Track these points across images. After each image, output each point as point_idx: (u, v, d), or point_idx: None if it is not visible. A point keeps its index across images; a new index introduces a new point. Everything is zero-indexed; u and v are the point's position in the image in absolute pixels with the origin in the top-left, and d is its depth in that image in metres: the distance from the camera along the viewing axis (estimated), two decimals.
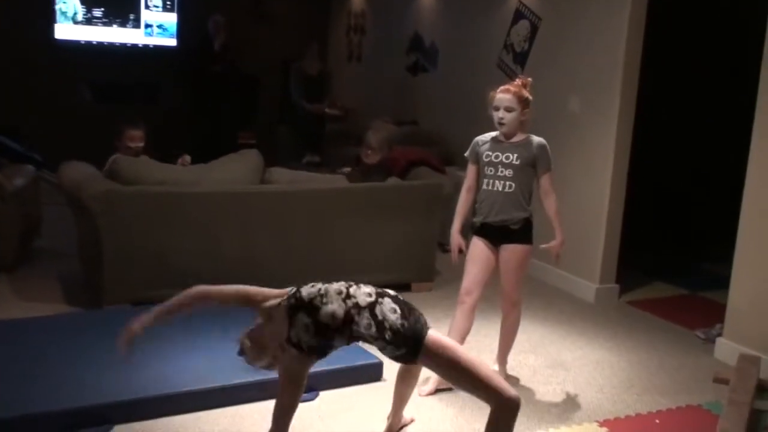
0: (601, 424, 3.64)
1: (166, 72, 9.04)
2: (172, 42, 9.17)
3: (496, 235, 3.83)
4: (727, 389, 3.77)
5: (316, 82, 8.16)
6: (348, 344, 2.83)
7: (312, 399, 3.58)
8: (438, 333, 2.89)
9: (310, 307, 2.76)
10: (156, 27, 9.11)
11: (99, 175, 4.89)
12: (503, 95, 3.78)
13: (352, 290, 2.83)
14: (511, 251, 3.82)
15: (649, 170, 6.49)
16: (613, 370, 4.30)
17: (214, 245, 4.80)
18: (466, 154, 3.97)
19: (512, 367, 4.21)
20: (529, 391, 3.95)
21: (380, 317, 2.76)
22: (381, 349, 2.83)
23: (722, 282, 4.73)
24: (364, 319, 2.75)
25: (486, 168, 3.82)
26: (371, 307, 2.78)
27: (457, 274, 5.90)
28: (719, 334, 4.63)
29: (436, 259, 5.62)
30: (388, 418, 3.38)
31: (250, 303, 2.88)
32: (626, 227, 5.51)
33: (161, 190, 4.71)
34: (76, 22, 8.69)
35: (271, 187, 5.04)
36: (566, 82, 5.70)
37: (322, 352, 2.77)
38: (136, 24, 8.98)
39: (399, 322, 2.77)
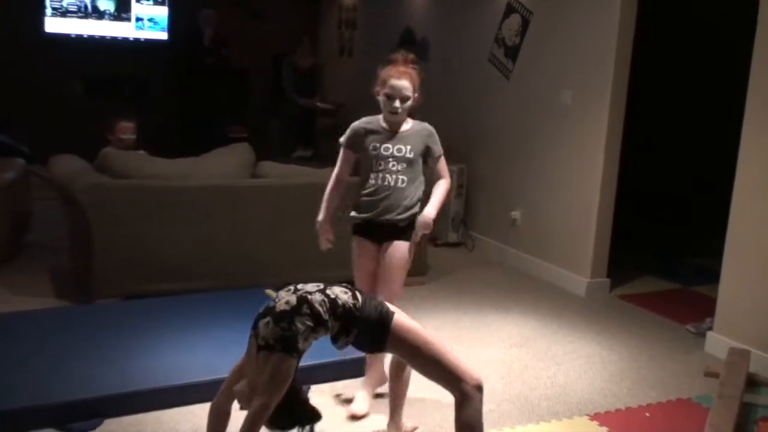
0: (592, 418, 3.65)
1: (157, 66, 9.01)
2: (163, 36, 9.13)
3: (382, 233, 3.51)
4: (718, 383, 3.79)
5: (307, 76, 8.14)
6: (314, 332, 2.73)
7: None
8: (404, 316, 2.86)
9: (265, 311, 2.78)
10: (147, 20, 9.07)
11: (89, 168, 4.87)
12: (400, 82, 3.40)
13: (299, 286, 2.85)
14: (395, 248, 3.49)
15: (640, 164, 6.50)
16: (604, 364, 4.31)
17: (205, 239, 4.79)
18: (341, 140, 3.58)
19: (503, 361, 4.22)
20: (520, 385, 3.95)
21: (332, 295, 2.79)
22: (340, 335, 2.80)
23: (713, 276, 4.74)
24: (317, 296, 2.77)
25: (375, 161, 3.47)
26: (322, 289, 2.82)
27: (450, 268, 5.94)
28: (710, 328, 4.64)
29: (428, 253, 5.62)
30: (389, 426, 3.28)
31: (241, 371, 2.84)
32: (617, 221, 5.53)
33: (152, 183, 4.70)
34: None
35: (262, 181, 5.03)
36: (557, 76, 5.70)
37: (291, 342, 2.68)
38: (114, 17, 8.92)
39: (351, 301, 2.80)
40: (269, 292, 4.71)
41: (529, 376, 4.08)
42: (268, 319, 2.72)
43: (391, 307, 2.87)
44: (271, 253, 4.97)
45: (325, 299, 2.77)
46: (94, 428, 3.25)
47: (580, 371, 4.19)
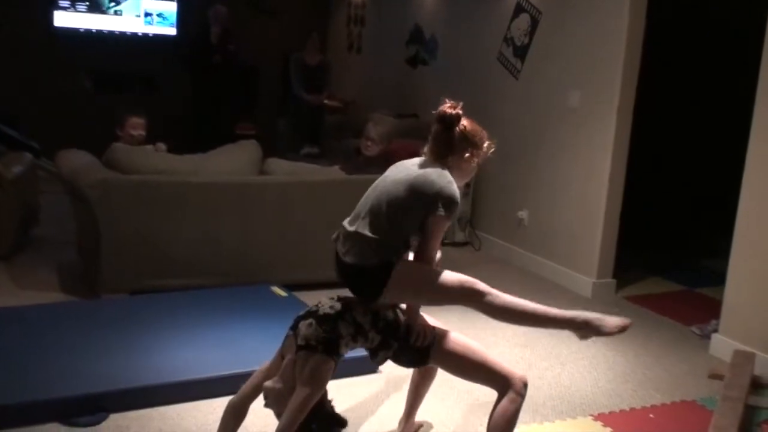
0: (596, 418, 3.65)
1: (165, 61, 9.03)
2: (172, 31, 9.15)
3: None
4: (722, 385, 3.78)
5: (315, 73, 8.15)
6: (354, 340, 2.76)
7: None
8: (443, 328, 2.91)
9: (307, 314, 2.80)
10: (156, 16, 9.09)
11: (97, 163, 4.89)
12: None
13: (342, 296, 2.88)
14: None
15: (647, 165, 6.49)
16: (609, 365, 4.31)
17: (212, 235, 4.80)
18: (452, 213, 2.82)
19: (508, 361, 4.21)
20: None
21: (374, 308, 2.81)
22: (379, 349, 2.82)
23: (719, 278, 4.74)
24: (359, 306, 2.80)
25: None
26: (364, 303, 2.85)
27: (456, 267, 5.91)
28: (715, 330, 4.64)
29: None
30: (401, 423, 3.30)
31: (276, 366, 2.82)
32: (624, 222, 5.52)
33: (160, 179, 4.71)
34: None
35: (270, 178, 5.04)
36: (566, 76, 5.70)
37: (332, 345, 2.70)
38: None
39: (392, 316, 2.83)
40: (275, 289, 4.72)
41: (534, 376, 4.08)
42: (310, 320, 2.74)
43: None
44: (278, 250, 4.98)
45: (368, 311, 2.80)
46: (100, 423, 3.26)
47: (584, 372, 4.20)
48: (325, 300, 2.84)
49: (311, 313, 2.78)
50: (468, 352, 2.85)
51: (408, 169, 2.88)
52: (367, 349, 2.84)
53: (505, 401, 2.80)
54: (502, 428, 2.80)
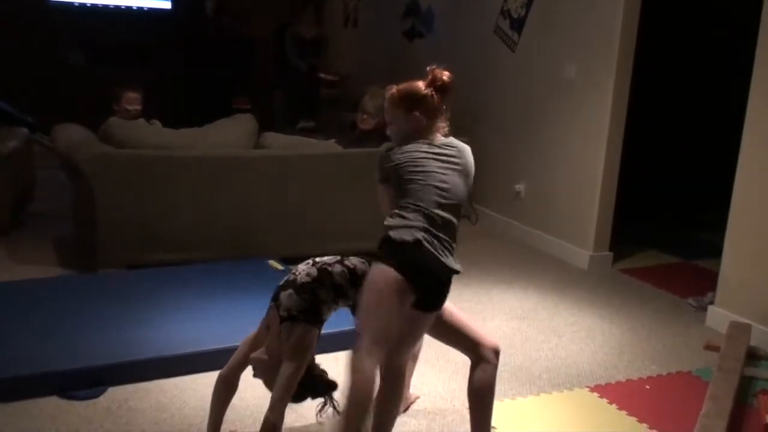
0: (592, 390, 3.67)
1: (160, 35, 8.96)
2: (167, 5, 9.08)
3: None
4: (718, 356, 3.80)
5: (311, 46, 8.10)
6: (336, 302, 2.78)
7: None
8: None
9: (286, 283, 2.80)
10: None
11: (93, 138, 4.87)
12: None
13: (318, 259, 2.87)
14: None
15: (644, 137, 6.48)
16: (605, 337, 4.33)
17: (209, 209, 4.80)
18: None
19: (505, 333, 4.23)
20: (521, 357, 3.97)
21: (351, 266, 2.81)
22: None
23: (715, 250, 4.74)
24: (337, 267, 2.80)
25: None
26: (340, 261, 2.84)
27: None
28: (711, 302, 4.65)
29: None
30: None
31: (260, 339, 2.83)
32: (621, 195, 5.52)
33: (155, 153, 4.70)
34: None
35: (266, 152, 5.03)
36: (563, 49, 5.66)
37: (314, 312, 2.72)
38: None
39: (369, 269, 2.81)
40: (272, 263, 4.72)
41: (531, 348, 4.10)
42: (290, 291, 2.75)
43: None
44: (274, 224, 4.97)
45: (345, 270, 2.80)
46: (98, 396, 3.27)
47: (581, 344, 4.21)
48: (301, 266, 2.84)
49: (290, 283, 2.78)
50: (444, 312, 2.83)
51: (444, 152, 2.88)
52: (350, 307, 2.84)
53: (479, 372, 2.80)
54: (483, 398, 2.82)
